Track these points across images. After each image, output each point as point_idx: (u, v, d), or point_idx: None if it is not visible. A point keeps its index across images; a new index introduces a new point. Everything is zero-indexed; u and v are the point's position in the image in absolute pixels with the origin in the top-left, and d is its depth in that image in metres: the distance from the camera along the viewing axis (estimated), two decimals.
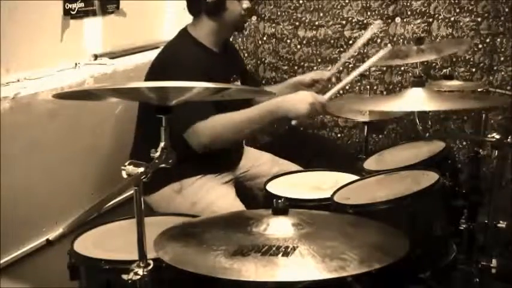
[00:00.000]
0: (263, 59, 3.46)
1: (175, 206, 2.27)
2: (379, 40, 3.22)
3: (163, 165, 1.41)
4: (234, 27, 2.39)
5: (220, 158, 2.35)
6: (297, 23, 3.35)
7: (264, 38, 3.44)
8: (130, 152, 2.36)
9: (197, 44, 2.32)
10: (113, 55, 2.70)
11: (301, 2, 3.32)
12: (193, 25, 2.35)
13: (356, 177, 2.19)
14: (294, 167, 2.59)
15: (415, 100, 1.85)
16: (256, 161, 2.62)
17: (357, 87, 3.30)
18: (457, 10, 3.08)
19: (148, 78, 2.29)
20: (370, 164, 2.40)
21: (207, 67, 2.19)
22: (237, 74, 2.48)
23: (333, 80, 2.53)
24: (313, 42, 3.34)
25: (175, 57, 2.26)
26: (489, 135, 1.71)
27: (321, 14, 3.30)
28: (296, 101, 2.11)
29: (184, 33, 2.36)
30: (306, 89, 2.40)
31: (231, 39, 2.64)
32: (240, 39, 3.41)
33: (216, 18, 2.29)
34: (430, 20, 3.13)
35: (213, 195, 2.33)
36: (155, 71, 2.28)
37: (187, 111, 1.84)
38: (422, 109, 1.93)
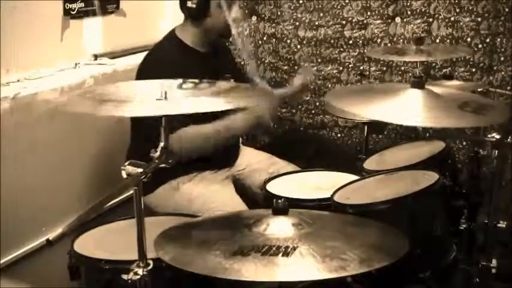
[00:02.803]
0: (263, 59, 3.46)
1: (173, 204, 2.28)
2: (379, 40, 3.22)
3: (163, 165, 1.41)
4: (218, 34, 2.36)
5: (216, 155, 2.35)
6: (297, 23, 3.35)
7: (264, 38, 3.43)
8: (127, 151, 2.37)
9: (179, 44, 2.33)
10: (113, 55, 2.70)
11: (301, 2, 3.32)
12: (181, 26, 2.38)
13: (356, 177, 2.19)
14: (291, 166, 2.59)
15: (412, 107, 1.66)
16: (253, 159, 2.63)
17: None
18: (457, 10, 3.07)
19: (136, 77, 2.31)
20: (370, 164, 2.40)
21: (184, 66, 2.18)
22: (229, 73, 2.46)
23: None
24: (313, 42, 3.34)
25: (151, 57, 2.31)
26: (489, 135, 1.71)
27: (321, 14, 3.29)
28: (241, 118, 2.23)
29: (170, 33, 2.39)
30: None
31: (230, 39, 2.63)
32: (240, 39, 3.41)
33: (198, 23, 2.30)
34: (430, 20, 3.13)
35: (210, 191, 2.34)
36: (138, 71, 2.32)
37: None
38: (417, 124, 1.79)
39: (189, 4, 2.25)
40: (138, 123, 2.36)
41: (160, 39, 2.42)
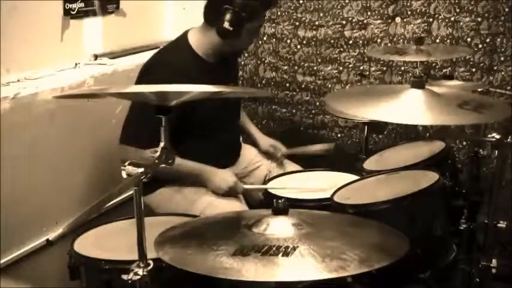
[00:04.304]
0: (263, 59, 3.46)
1: (175, 205, 2.27)
2: (379, 40, 3.22)
3: (163, 165, 1.41)
4: (234, 51, 2.39)
5: (218, 156, 2.35)
6: (297, 23, 3.35)
7: (264, 38, 3.44)
8: None
9: (188, 52, 2.30)
10: (113, 55, 2.70)
11: (301, 2, 3.32)
12: (197, 31, 2.32)
13: (356, 177, 2.19)
14: (292, 166, 2.60)
15: (412, 107, 1.65)
16: (254, 158, 2.63)
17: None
18: (457, 10, 3.08)
19: (138, 77, 2.31)
20: (370, 164, 2.40)
21: (188, 74, 2.16)
22: (232, 83, 2.47)
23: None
24: (313, 42, 3.35)
25: (158, 60, 2.30)
26: (489, 135, 1.71)
27: (321, 14, 3.30)
28: (219, 178, 2.30)
29: (181, 37, 2.35)
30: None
31: None
32: None
33: (226, 42, 2.26)
34: (430, 20, 3.13)
35: (214, 196, 2.33)
36: (143, 72, 2.31)
37: (131, 129, 2.19)
38: (417, 122, 1.74)
39: (227, 26, 2.19)
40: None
41: (171, 42, 2.39)
